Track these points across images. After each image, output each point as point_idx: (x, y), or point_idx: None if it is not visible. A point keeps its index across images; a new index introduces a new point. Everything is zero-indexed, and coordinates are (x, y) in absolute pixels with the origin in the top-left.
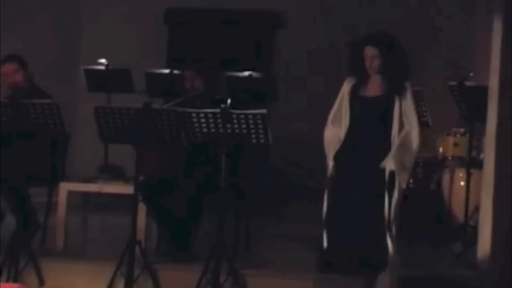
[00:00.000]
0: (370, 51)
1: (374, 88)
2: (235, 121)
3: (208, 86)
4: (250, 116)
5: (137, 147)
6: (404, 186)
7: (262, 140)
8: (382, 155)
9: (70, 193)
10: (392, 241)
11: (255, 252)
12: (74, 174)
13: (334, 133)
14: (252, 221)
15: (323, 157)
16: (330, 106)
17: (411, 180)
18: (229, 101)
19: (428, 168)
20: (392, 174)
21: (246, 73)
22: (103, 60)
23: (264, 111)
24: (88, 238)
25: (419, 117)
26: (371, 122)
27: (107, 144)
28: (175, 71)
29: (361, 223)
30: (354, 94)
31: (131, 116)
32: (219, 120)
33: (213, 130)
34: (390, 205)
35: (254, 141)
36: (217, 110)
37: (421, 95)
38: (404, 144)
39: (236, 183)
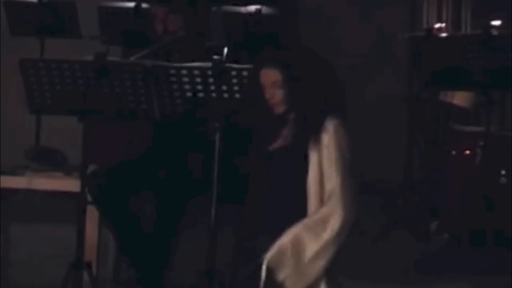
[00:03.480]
0: (267, 76)
1: (284, 136)
2: (234, 80)
3: (193, 28)
4: None
5: (86, 122)
6: None
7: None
8: None
9: None
10: None
11: None
12: None
13: None
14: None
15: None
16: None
17: (503, 172)
18: (225, 50)
19: None
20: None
21: (252, 8)
22: None
23: None
24: (11, 259)
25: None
26: (278, 190)
27: (39, 117)
28: (144, 5)
29: None
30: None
31: (76, 73)
32: (210, 79)
33: (201, 94)
34: None
35: None
36: (208, 65)
37: None
38: (305, 239)
39: (237, 178)
